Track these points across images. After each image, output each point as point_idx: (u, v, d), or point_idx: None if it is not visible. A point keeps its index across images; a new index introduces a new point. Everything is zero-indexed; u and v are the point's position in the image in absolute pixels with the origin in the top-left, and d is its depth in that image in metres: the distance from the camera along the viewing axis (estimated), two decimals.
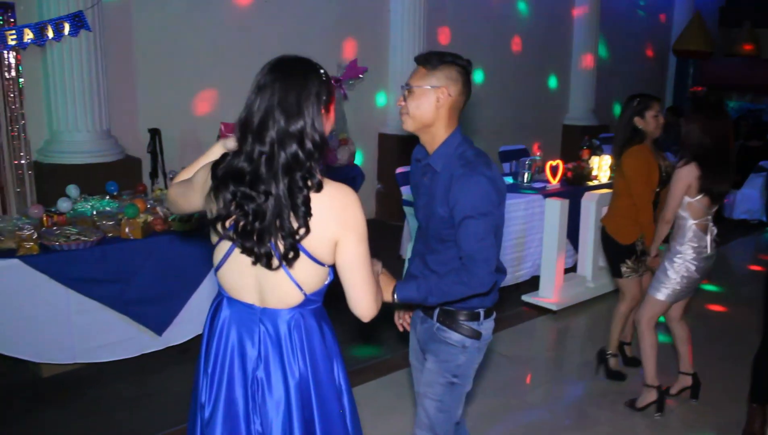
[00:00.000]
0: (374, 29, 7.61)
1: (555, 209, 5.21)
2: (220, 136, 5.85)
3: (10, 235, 3.61)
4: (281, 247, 1.75)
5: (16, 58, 5.25)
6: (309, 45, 7.02)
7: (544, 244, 5.37)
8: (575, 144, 8.96)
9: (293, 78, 1.75)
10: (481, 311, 2.39)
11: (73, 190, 4.28)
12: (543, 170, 6.04)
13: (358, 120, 7.41)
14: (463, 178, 2.19)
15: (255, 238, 1.74)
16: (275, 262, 1.77)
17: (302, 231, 1.75)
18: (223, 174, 1.75)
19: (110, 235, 3.88)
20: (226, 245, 1.84)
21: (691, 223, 3.59)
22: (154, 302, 3.91)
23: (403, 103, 2.30)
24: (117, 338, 3.87)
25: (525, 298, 5.49)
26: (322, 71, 1.81)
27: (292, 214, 1.73)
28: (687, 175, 3.53)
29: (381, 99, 7.86)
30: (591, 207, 5.41)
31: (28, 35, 5.01)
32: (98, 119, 5.36)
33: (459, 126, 2.32)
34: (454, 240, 2.25)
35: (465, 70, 2.29)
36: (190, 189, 1.92)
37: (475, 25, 8.75)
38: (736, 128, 9.06)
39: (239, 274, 1.86)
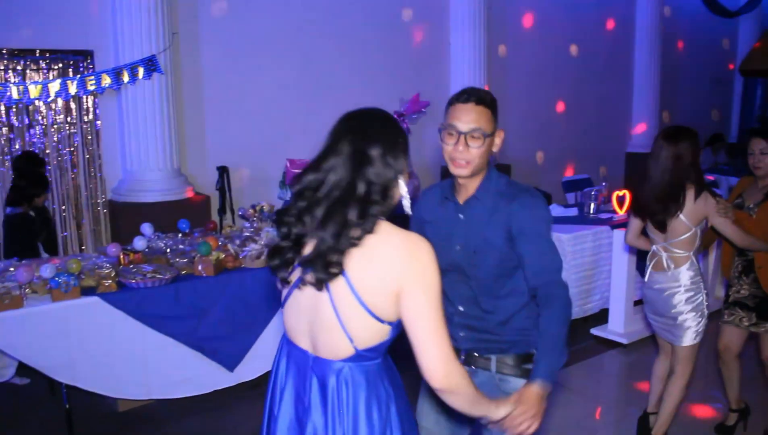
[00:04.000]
0: (435, 64, 7.68)
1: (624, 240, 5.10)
2: (286, 171, 5.98)
3: (91, 273, 3.74)
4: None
5: (93, 101, 5.50)
6: (372, 81, 7.16)
7: (613, 276, 5.25)
8: (639, 172, 8.79)
9: (369, 126, 1.74)
10: (535, 350, 2.25)
11: (147, 228, 4.40)
12: (609, 200, 5.94)
13: (421, 154, 7.46)
14: (528, 205, 2.15)
15: (311, 264, 1.68)
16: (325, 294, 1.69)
17: (330, 265, 1.65)
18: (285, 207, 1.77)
19: (184, 272, 3.98)
20: (287, 286, 1.82)
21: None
22: (226, 338, 3.98)
23: (464, 149, 2.12)
24: (190, 374, 3.94)
25: (594, 331, 5.37)
26: (394, 120, 1.79)
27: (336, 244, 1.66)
28: None
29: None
30: None
31: (106, 80, 5.25)
32: (169, 158, 5.55)
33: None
34: (514, 268, 2.19)
35: None
36: None
37: (536, 54, 8.75)
38: None
39: (295, 318, 1.81)
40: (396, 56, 7.39)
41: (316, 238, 1.68)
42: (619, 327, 5.26)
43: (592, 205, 5.80)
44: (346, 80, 7.01)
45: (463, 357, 2.35)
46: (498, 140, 2.19)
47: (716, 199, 3.24)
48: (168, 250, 4.19)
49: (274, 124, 6.58)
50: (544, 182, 8.50)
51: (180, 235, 4.47)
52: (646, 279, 3.53)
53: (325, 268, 1.65)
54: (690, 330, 3.37)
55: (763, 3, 11.54)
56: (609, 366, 5.04)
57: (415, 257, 1.68)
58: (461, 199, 2.26)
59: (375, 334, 1.72)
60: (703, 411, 4.12)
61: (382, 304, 1.68)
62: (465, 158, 2.13)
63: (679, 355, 3.43)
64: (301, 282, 1.75)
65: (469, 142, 2.11)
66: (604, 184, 6.26)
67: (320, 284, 1.68)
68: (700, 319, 3.38)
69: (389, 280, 1.67)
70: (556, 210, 5.94)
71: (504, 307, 2.24)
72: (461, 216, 2.25)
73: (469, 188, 2.23)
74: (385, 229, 1.71)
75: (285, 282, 1.79)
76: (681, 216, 3.27)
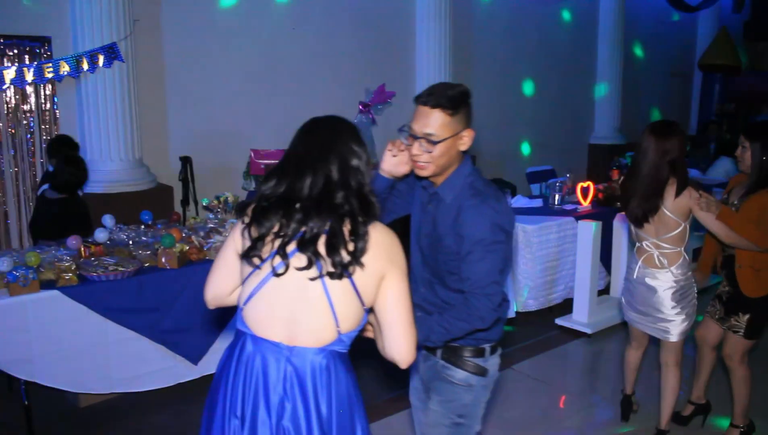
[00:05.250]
0: (401, 54, 7.65)
1: (588, 231, 5.16)
2: (250, 162, 5.90)
3: (50, 266, 3.64)
4: (329, 265, 1.74)
5: (51, 90, 5.35)
6: (337, 71, 7.11)
7: (578, 267, 5.31)
8: (602, 163, 8.91)
9: (342, 131, 1.86)
10: (487, 347, 2.28)
11: (108, 219, 4.30)
12: (573, 192, 5.99)
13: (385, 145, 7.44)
14: (473, 208, 2.10)
15: (325, 250, 1.74)
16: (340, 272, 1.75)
17: (358, 254, 1.75)
18: (278, 198, 1.79)
19: (147, 264, 3.90)
20: (258, 277, 1.79)
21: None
22: (190, 331, 3.92)
23: (420, 153, 2.13)
24: (154, 368, 3.87)
25: (558, 321, 5.43)
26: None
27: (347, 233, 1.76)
28: None
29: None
30: (624, 228, 5.35)
31: (64, 68, 5.11)
32: (130, 148, 5.44)
33: (467, 154, 2.22)
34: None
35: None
36: (225, 257, 1.91)
37: (500, 45, 8.79)
38: None
39: (270, 308, 1.79)
40: (362, 47, 7.34)
41: (327, 230, 1.75)
42: (583, 317, 5.32)
43: (557, 197, 5.85)
44: (311, 71, 6.95)
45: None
46: (466, 139, 2.16)
47: (699, 193, 3.23)
48: (130, 242, 4.10)
49: (237, 114, 6.49)
50: (508, 172, 8.55)
51: (142, 226, 4.38)
52: (634, 275, 3.49)
53: (353, 255, 1.74)
54: (682, 326, 3.41)
55: None
56: (573, 356, 5.10)
57: (396, 244, 1.83)
58: (432, 189, 2.26)
59: (356, 319, 1.81)
60: None
61: (369, 289, 1.79)
62: (422, 160, 2.14)
63: (670, 348, 3.47)
64: (284, 268, 1.76)
65: (423, 145, 2.12)
66: (568, 175, 6.31)
67: (349, 268, 1.75)
68: (692, 315, 3.42)
69: (378, 265, 1.78)
70: (520, 201, 5.98)
71: (456, 300, 2.21)
72: (430, 206, 2.26)
73: (437, 182, 2.23)
74: None
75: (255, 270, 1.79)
76: (667, 212, 3.25)
